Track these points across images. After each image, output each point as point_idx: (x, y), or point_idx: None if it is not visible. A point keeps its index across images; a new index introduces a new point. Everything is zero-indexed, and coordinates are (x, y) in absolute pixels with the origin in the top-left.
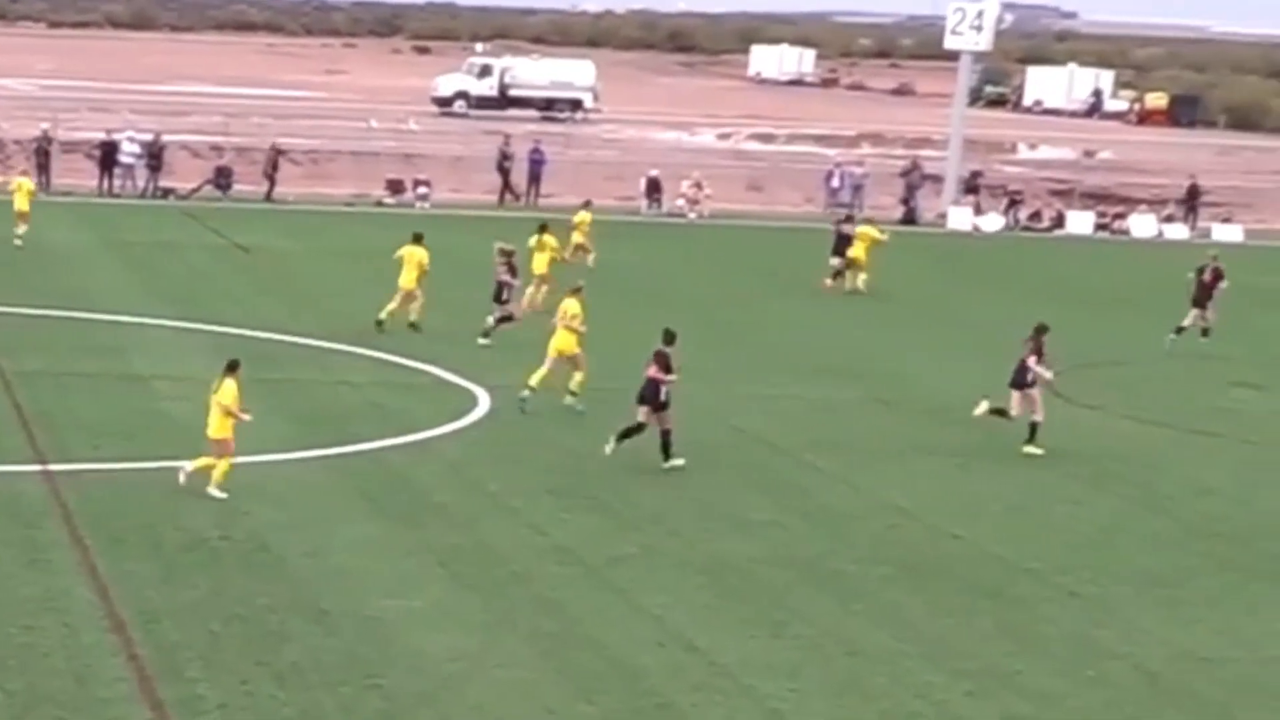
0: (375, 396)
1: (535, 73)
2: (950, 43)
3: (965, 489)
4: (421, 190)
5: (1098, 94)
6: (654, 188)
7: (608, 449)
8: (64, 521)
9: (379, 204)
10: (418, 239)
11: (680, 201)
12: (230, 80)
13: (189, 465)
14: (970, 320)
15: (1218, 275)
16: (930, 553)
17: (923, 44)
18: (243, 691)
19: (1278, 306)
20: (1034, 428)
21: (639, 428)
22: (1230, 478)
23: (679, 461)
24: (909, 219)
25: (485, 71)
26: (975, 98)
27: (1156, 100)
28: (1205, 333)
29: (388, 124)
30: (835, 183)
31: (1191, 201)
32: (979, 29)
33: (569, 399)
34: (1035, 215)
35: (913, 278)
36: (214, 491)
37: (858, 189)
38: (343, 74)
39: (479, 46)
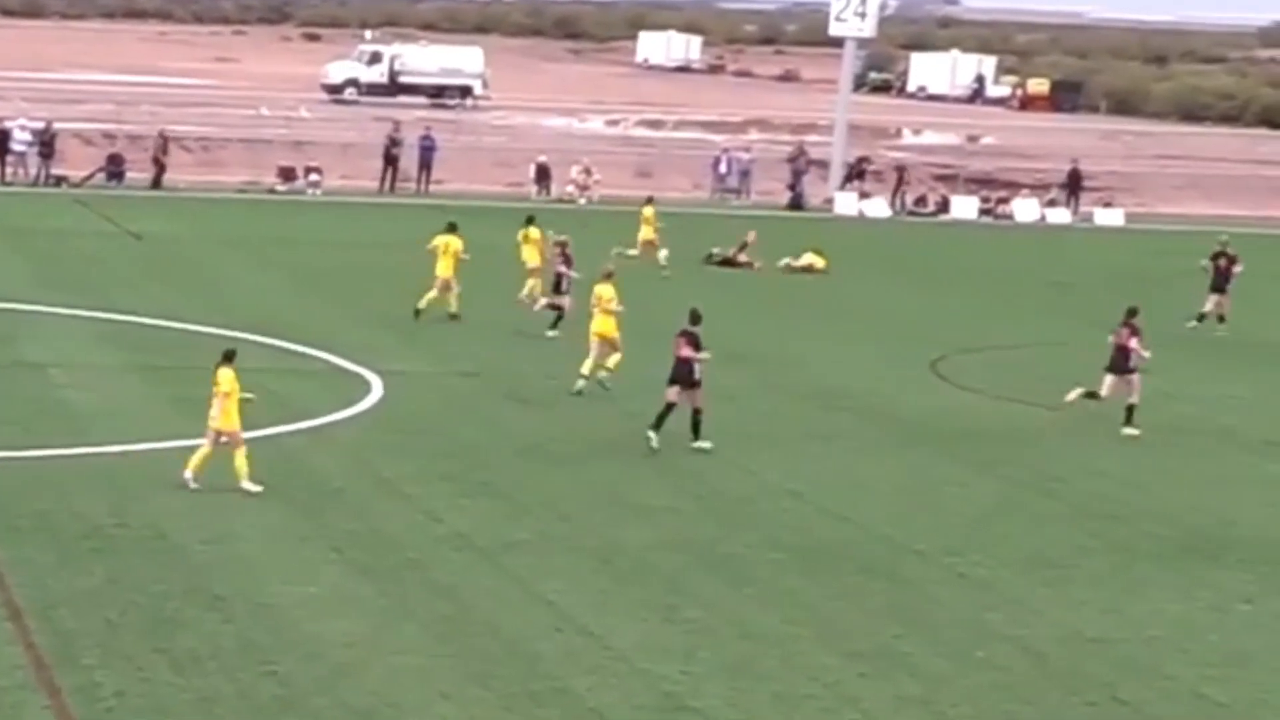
0: (269, 383)
1: (425, 60)
2: (835, 29)
3: (855, 472)
4: (313, 177)
5: (980, 80)
6: (543, 174)
7: (652, 443)
8: None
9: (271, 191)
10: (452, 228)
11: (569, 187)
12: (121, 68)
13: (189, 471)
14: (858, 305)
15: (1232, 260)
16: (821, 536)
17: (808, 30)
18: (140, 678)
19: (1160, 288)
20: (1131, 410)
21: (669, 408)
22: (1115, 459)
23: (706, 444)
24: (795, 204)
25: (375, 59)
26: (860, 84)
27: (1038, 86)
28: (1221, 319)
29: (279, 111)
30: (723, 168)
31: (1073, 186)
32: (863, 15)
33: (602, 373)
34: (920, 200)
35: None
36: (248, 486)
37: (745, 175)
38: (233, 61)
39: (368, 34)
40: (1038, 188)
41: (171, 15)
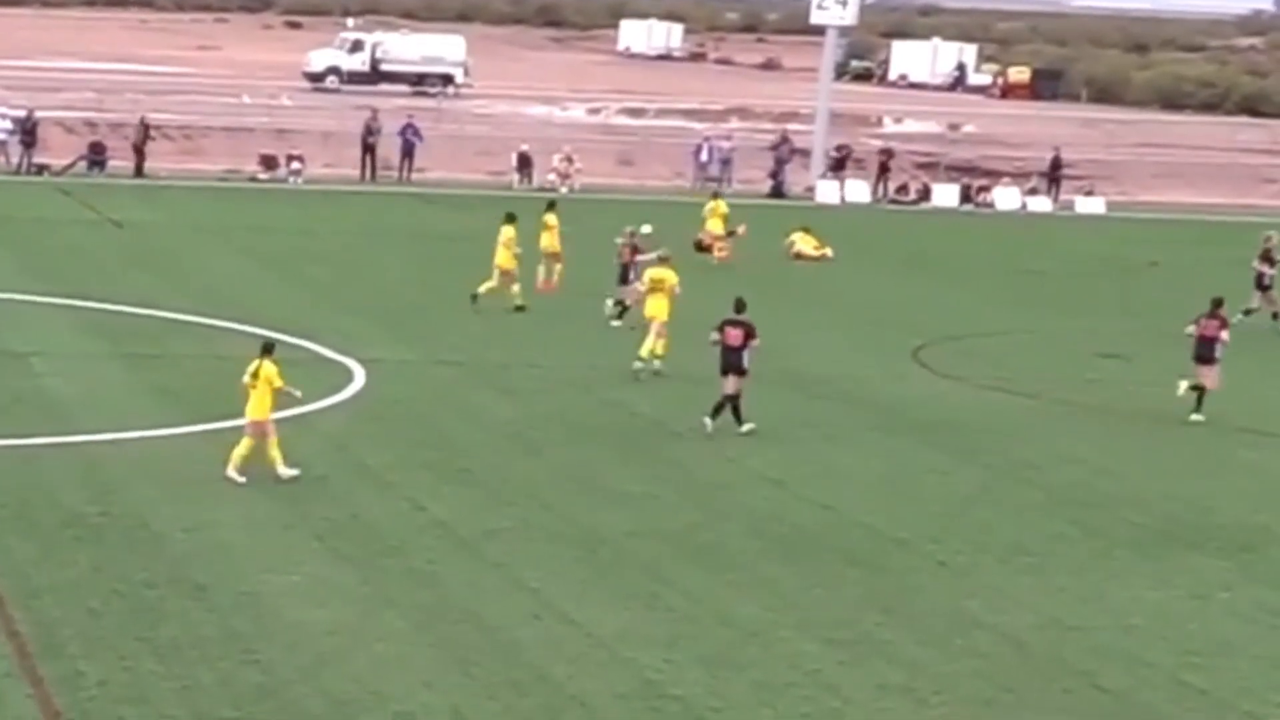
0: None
1: (406, 48)
2: (816, 17)
3: (834, 460)
4: (295, 165)
5: (961, 68)
6: (525, 162)
7: (743, 429)
8: None
9: (253, 179)
10: (510, 218)
11: (551, 176)
12: (103, 56)
13: (280, 468)
14: (838, 293)
15: (1264, 258)
16: (802, 524)
17: (789, 19)
18: (122, 667)
19: (1142, 277)
20: (1202, 394)
21: (735, 399)
22: (1094, 447)
23: (712, 427)
24: (777, 192)
25: (357, 47)
26: (841, 72)
27: (1019, 74)
28: (1275, 316)
29: (260, 99)
30: (704, 157)
31: (1054, 174)
32: (844, 3)
33: (638, 363)
34: (902, 188)
35: (782, 251)
36: (233, 474)
37: (726, 163)
38: (215, 49)
39: (350, 22)
40: (1019, 176)
41: (153, 3)
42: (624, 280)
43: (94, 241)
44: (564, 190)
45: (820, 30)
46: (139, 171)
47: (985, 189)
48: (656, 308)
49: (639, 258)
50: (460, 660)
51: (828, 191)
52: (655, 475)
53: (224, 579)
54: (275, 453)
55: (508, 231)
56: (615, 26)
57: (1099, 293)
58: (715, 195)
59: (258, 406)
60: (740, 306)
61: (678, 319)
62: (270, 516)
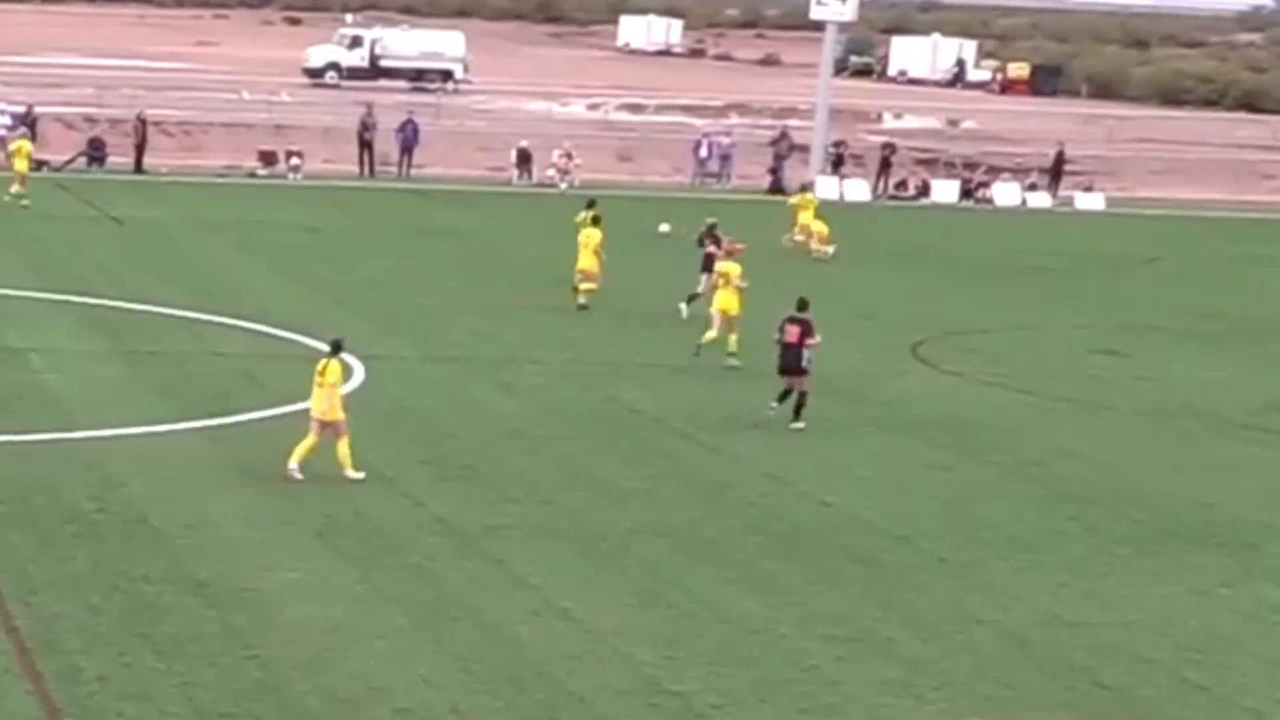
0: (249, 367)
1: (406, 44)
2: (815, 13)
3: (834, 457)
4: (294, 161)
5: (961, 64)
6: (524, 158)
7: (769, 412)
8: None
9: (252, 175)
10: (595, 221)
11: (551, 172)
12: (102, 52)
13: (294, 462)
14: (838, 289)
15: None
16: (801, 520)
17: (788, 14)
18: (122, 663)
19: (1139, 273)
20: None
21: (789, 392)
22: (1092, 443)
23: (801, 424)
24: (776, 188)
25: (356, 42)
26: (841, 68)
27: (1019, 70)
28: None
29: (260, 95)
30: (703, 152)
31: (1056, 170)
32: None
33: (729, 360)
34: (901, 184)
35: (780, 247)
36: (352, 474)
37: (725, 159)
38: (214, 45)
39: (349, 17)
40: (1018, 171)
41: None
42: (708, 270)
43: (93, 237)
44: (563, 186)
45: (820, 26)
46: (138, 167)
47: (985, 185)
48: (725, 301)
49: (716, 250)
50: (460, 657)
51: (827, 187)
52: (655, 472)
53: (223, 575)
54: (303, 449)
55: (593, 234)
56: (615, 22)
57: (1098, 289)
58: (804, 188)
59: (329, 407)
60: (803, 304)
61: (665, 315)
62: (270, 513)
